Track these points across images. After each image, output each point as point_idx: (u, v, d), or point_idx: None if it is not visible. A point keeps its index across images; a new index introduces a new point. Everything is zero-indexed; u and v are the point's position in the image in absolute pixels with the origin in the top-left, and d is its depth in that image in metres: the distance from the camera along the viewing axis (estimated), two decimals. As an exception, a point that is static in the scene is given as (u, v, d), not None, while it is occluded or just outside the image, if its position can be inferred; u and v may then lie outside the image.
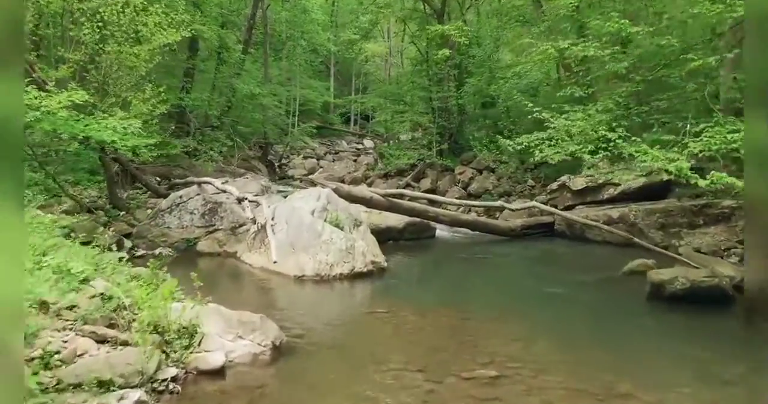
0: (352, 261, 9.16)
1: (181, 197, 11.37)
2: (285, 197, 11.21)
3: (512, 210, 12.53)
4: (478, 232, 13.08)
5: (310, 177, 11.27)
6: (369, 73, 36.61)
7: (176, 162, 18.11)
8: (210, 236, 11.10)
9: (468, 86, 18.63)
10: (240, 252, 10.53)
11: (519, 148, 8.93)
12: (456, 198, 17.48)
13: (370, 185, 20.32)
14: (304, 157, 31.18)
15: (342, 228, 9.68)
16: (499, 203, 12.77)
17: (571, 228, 12.60)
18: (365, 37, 23.87)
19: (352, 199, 11.16)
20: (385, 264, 9.55)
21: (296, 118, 33.18)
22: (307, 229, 9.39)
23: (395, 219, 12.39)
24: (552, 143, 8.27)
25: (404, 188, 19.58)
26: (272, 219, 9.54)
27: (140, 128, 9.97)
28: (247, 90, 18.20)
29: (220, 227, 11.12)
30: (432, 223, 12.83)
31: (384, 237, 12.03)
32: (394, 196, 11.54)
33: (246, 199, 9.84)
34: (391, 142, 26.35)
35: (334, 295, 8.28)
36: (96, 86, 11.05)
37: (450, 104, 19.49)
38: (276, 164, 26.78)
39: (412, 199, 12.01)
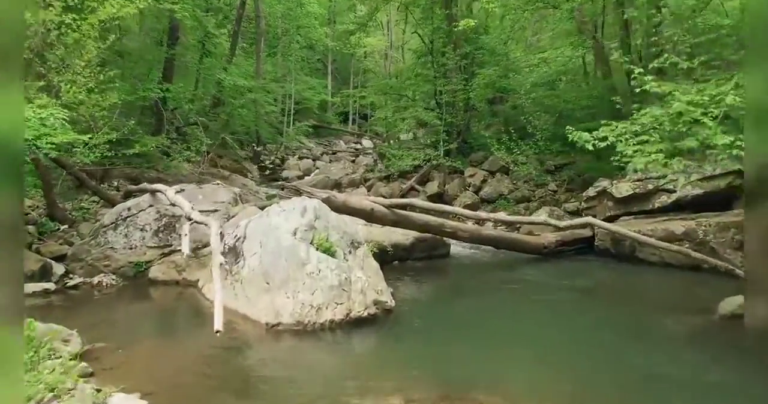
0: (348, 302, 6.37)
1: (129, 209, 8.56)
2: (264, 208, 8.35)
3: (560, 228, 9.69)
4: (501, 250, 10.29)
5: (294, 184, 8.42)
6: (368, 70, 33.77)
7: (151, 163, 15.33)
8: (166, 259, 8.31)
9: (480, 77, 15.81)
10: (202, 281, 7.76)
11: (603, 144, 6.12)
12: (467, 204, 14.70)
13: (369, 189, 17.52)
14: (300, 158, 28.34)
15: (334, 254, 6.90)
16: (542, 218, 9.92)
17: (617, 245, 9.82)
18: (364, 26, 20.98)
19: (349, 211, 8.38)
20: (392, 304, 6.76)
21: (291, 117, 30.41)
22: (287, 256, 6.60)
23: (402, 235, 9.62)
24: (654, 135, 5.43)
25: (408, 192, 16.80)
26: (226, 251, 6.77)
27: (65, 119, 7.16)
28: (230, 81, 15.34)
29: (178, 248, 8.28)
30: (446, 238, 10.06)
31: (388, 256, 9.31)
32: (400, 206, 8.73)
33: (191, 219, 7.00)
34: (391, 141, 23.52)
35: (320, 362, 5.47)
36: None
37: (458, 99, 16.67)
38: (257, 165, 23.96)
39: (424, 210, 9.15)
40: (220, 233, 8.26)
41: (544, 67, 14.03)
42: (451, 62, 16.68)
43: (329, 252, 6.86)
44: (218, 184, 9.77)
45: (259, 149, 25.34)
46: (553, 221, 9.64)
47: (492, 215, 9.81)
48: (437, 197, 16.22)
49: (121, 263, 8.25)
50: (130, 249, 8.33)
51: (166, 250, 8.33)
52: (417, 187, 16.90)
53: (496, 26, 18.09)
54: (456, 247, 10.49)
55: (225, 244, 7.52)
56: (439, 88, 17.05)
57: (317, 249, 6.85)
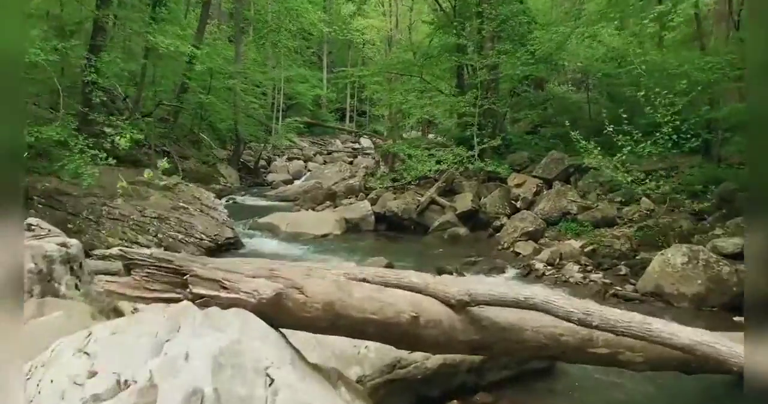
0: None
1: None
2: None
3: None
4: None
5: (169, 257, 2.74)
6: (368, 60, 27.79)
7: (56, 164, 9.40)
8: None
9: (536, 43, 9.94)
10: None
11: None
12: (527, 232, 8.87)
13: (374, 202, 11.64)
14: (289, 159, 22.51)
15: None
16: None
17: None
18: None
19: (346, 326, 2.52)
20: None
21: (281, 113, 24.53)
22: None
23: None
24: None
25: (427, 207, 10.98)
26: None
27: None
28: (169, 46, 9.33)
29: None
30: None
31: (433, 388, 3.54)
32: (490, 303, 2.86)
33: None
34: (398, 140, 17.54)
35: None
36: None
37: (499, 78, 10.83)
38: (237, 168, 18.20)
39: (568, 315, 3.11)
40: None
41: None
42: (488, 27, 10.82)
43: None
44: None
45: (240, 149, 19.40)
46: None
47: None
48: (471, 216, 10.42)
49: None
50: None
51: None
52: (440, 199, 11.07)
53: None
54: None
55: None
56: (471, 63, 11.17)
57: None
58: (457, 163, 10.39)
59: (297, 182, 18.88)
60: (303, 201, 12.64)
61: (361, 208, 11.40)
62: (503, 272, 7.60)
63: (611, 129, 7.24)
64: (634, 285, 6.78)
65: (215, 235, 8.77)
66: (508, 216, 10.28)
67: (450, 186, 11.78)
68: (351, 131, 30.42)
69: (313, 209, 12.10)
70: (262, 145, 20.75)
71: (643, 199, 9.24)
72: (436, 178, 11.53)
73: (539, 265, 7.56)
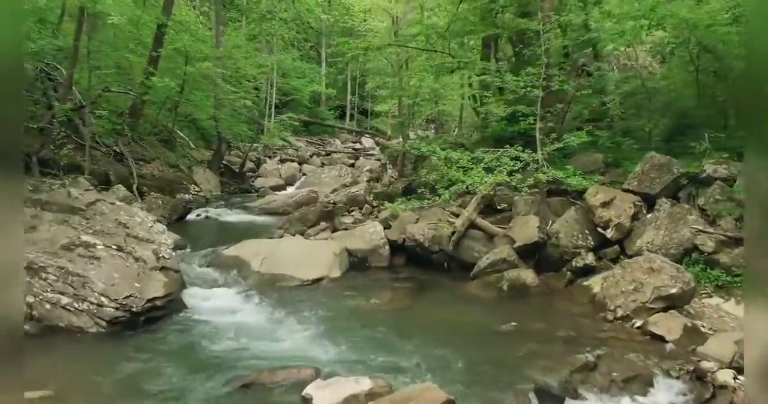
0: None
1: None
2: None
3: None
4: None
5: None
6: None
7: None
8: None
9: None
10: None
11: None
12: (665, 297, 4.90)
13: (388, 225, 7.63)
14: (282, 160, 18.46)
15: None
16: None
17: None
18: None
19: None
20: None
21: (273, 110, 20.55)
22: None
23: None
24: None
25: (464, 232, 7.00)
26: None
27: None
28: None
29: None
30: None
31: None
32: None
33: None
34: (407, 140, 13.39)
35: None
36: None
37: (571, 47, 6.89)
38: (218, 171, 14.24)
39: None
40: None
41: None
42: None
43: None
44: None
45: (221, 149, 15.38)
46: None
47: None
48: (534, 249, 6.45)
49: None
50: None
51: None
52: (485, 223, 7.14)
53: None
54: None
55: None
56: (532, 26, 7.18)
57: None
58: (519, 172, 6.39)
59: (290, 188, 14.97)
60: (290, 222, 8.64)
61: (371, 235, 7.45)
62: (651, 386, 3.70)
63: None
64: None
65: (127, 297, 4.80)
66: (594, 252, 6.38)
67: (490, 200, 7.86)
68: (352, 130, 26.41)
69: (303, 234, 8.15)
70: (250, 145, 16.72)
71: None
72: (472, 190, 7.56)
73: (725, 376, 3.65)
